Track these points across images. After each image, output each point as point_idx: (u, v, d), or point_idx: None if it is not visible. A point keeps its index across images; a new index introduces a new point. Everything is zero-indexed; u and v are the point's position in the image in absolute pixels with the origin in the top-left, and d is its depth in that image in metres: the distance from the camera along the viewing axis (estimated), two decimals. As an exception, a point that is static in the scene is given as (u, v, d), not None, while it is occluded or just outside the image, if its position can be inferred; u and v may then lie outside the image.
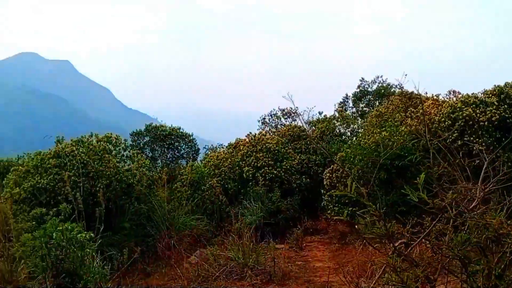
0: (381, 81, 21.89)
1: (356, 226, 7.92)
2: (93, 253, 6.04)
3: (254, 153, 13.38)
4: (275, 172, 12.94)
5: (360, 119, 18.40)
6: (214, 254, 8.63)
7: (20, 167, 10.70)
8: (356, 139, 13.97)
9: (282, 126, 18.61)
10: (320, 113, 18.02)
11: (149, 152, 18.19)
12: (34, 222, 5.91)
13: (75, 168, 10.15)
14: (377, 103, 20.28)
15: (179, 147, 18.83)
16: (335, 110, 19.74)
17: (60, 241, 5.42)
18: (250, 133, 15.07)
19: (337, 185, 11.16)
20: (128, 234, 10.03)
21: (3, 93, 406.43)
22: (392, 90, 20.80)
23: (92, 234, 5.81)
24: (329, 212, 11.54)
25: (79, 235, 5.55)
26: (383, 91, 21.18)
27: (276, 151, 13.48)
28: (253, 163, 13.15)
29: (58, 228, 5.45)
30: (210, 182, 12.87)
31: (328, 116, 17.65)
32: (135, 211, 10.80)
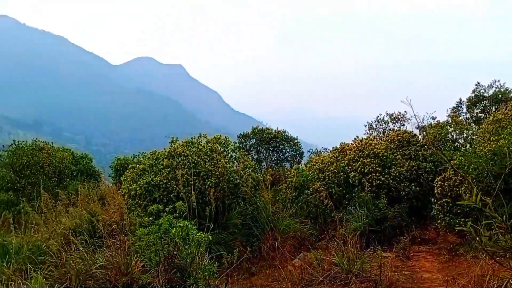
0: (499, 86, 20.42)
1: (477, 238, 7.46)
2: (203, 251, 6.24)
3: (361, 158, 13.08)
4: (382, 178, 12.55)
5: (474, 126, 17.32)
6: (318, 258, 8.56)
7: (137, 165, 11.41)
8: (470, 146, 13.17)
9: (390, 131, 18.04)
10: (433, 118, 17.20)
11: (254, 154, 18.56)
12: (151, 218, 6.26)
13: (187, 167, 10.62)
14: (494, 109, 18.98)
15: (284, 150, 19.01)
16: (447, 116, 18.76)
17: (174, 238, 5.68)
18: (357, 137, 14.76)
19: (449, 194, 10.60)
20: (234, 233, 10.28)
21: (122, 96, 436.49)
22: (511, 96, 19.36)
23: (210, 236, 6.02)
24: (439, 222, 10.99)
25: (197, 234, 5.78)
26: (500, 96, 19.77)
27: (384, 157, 13.07)
28: (359, 168, 12.87)
29: (179, 224, 5.70)
30: (314, 186, 12.81)
31: (441, 121, 16.81)
32: (241, 211, 11.05)
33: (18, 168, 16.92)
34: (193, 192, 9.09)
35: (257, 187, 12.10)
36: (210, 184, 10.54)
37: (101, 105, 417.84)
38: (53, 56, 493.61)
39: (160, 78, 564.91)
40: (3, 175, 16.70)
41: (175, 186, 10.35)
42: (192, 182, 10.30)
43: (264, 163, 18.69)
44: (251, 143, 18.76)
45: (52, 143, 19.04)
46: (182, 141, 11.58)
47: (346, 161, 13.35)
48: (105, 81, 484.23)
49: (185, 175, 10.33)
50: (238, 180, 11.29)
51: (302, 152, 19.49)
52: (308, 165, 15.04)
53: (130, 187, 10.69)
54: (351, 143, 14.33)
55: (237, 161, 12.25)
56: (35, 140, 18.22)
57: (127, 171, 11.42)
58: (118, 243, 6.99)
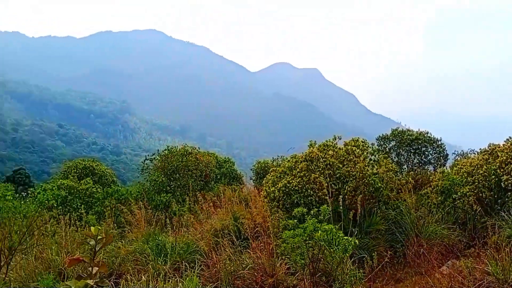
0: None
1: None
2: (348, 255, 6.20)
3: (514, 160, 12.00)
4: (541, 182, 11.39)
5: None
6: (469, 266, 8.03)
7: (278, 168, 11.69)
8: None
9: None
10: None
11: (394, 157, 17.95)
12: (295, 221, 6.36)
13: (322, 169, 10.63)
14: None
15: (426, 152, 18.12)
16: None
17: (319, 241, 5.72)
18: (510, 138, 13.56)
19: None
20: (376, 238, 10.06)
21: (260, 101, 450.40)
22: None
23: (356, 241, 5.97)
24: None
25: (344, 238, 5.76)
26: None
27: (542, 159, 11.85)
28: (513, 171, 11.80)
29: (323, 227, 5.74)
30: (462, 190, 12.03)
31: None
32: (383, 215, 10.77)
33: (169, 172, 18.24)
34: (340, 197, 9.06)
35: (399, 191, 11.71)
36: (349, 188, 10.42)
37: (241, 111, 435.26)
38: (197, 66, 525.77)
39: (296, 82, 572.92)
40: (156, 178, 18.08)
41: (310, 191, 10.41)
42: (327, 185, 10.27)
43: (405, 166, 18.00)
44: (390, 145, 18.18)
45: (198, 147, 20.20)
46: (318, 145, 11.61)
47: (498, 164, 12.33)
48: (245, 87, 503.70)
49: (320, 178, 10.34)
50: (379, 184, 11.02)
51: (447, 155, 18.40)
52: (454, 168, 14.16)
53: (269, 190, 10.98)
54: (503, 144, 13.20)
55: (376, 164, 11.96)
56: (184, 145, 19.48)
57: (268, 174, 11.75)
58: (262, 245, 7.19)
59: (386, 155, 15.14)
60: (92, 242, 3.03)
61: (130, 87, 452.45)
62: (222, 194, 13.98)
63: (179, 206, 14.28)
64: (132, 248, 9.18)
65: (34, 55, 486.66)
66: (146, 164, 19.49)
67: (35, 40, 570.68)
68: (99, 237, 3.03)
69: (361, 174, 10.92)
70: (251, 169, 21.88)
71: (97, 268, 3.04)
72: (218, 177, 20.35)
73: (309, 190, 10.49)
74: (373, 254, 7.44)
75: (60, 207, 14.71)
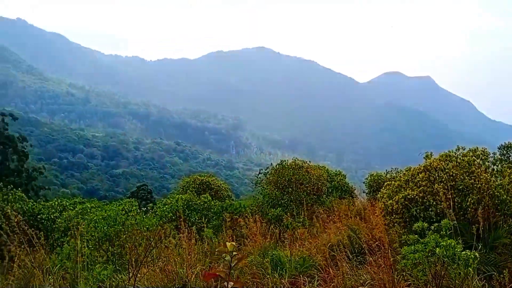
0: None
1: None
2: (472, 271, 5.85)
3: None
4: None
5: None
6: None
7: (393, 181, 11.36)
8: None
9: None
10: None
11: (521, 167, 16.66)
12: (416, 236, 6.13)
13: (444, 181, 10.14)
14: None
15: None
16: None
17: (441, 257, 5.47)
18: None
19: None
20: (502, 253, 9.37)
21: (370, 112, 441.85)
22: None
23: (477, 254, 5.65)
24: None
25: (463, 253, 5.48)
26: None
27: None
28: None
29: (441, 243, 5.50)
30: None
31: None
32: (509, 229, 10.01)
33: (282, 186, 18.45)
34: (463, 210, 8.60)
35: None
36: (472, 201, 9.84)
37: (351, 123, 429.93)
38: (305, 79, 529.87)
39: (409, 92, 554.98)
40: (270, 192, 18.37)
41: (432, 201, 9.98)
42: (450, 197, 9.77)
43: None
44: (516, 154, 16.88)
45: (309, 161, 20.23)
46: (439, 155, 11.11)
47: None
48: (354, 99, 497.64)
49: (443, 190, 9.86)
50: (505, 196, 10.27)
51: None
52: None
53: (387, 203, 10.70)
54: None
55: (500, 175, 11.19)
56: (295, 159, 19.63)
57: (383, 188, 11.46)
58: (380, 260, 7.03)
59: (510, 165, 14.11)
60: (228, 258, 3.20)
61: (242, 104, 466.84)
62: (335, 207, 13.86)
63: (292, 219, 14.38)
64: (248, 261, 9.39)
65: (153, 78, 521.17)
66: (259, 178, 19.89)
67: (152, 63, 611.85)
68: (234, 253, 3.19)
69: (485, 186, 10.27)
70: (364, 182, 21.45)
71: (232, 283, 3.20)
72: (330, 190, 20.20)
73: (430, 201, 10.07)
74: (504, 271, 6.91)
75: (182, 220, 15.46)
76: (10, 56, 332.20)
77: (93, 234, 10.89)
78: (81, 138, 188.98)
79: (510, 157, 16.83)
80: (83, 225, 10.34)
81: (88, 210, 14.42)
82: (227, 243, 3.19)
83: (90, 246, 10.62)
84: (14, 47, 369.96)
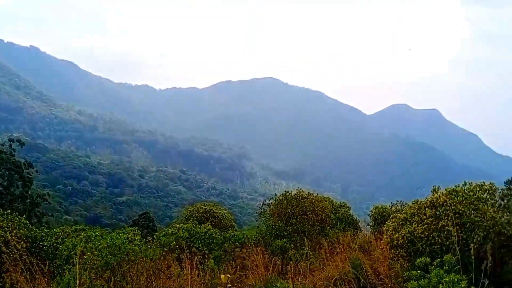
0: None
1: None
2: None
3: None
4: None
5: None
6: None
7: (399, 214, 11.29)
8: None
9: None
10: None
11: (528, 202, 16.52)
12: (419, 271, 6.07)
13: (450, 217, 10.06)
14: None
15: None
16: None
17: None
18: None
19: None
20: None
21: (376, 144, 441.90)
22: None
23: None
24: None
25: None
26: None
27: None
28: None
29: (445, 279, 5.45)
30: None
31: None
32: (517, 266, 9.88)
33: (285, 217, 18.36)
34: (468, 246, 8.51)
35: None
36: (478, 237, 9.74)
37: (356, 154, 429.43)
38: (312, 110, 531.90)
39: (415, 124, 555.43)
40: (273, 223, 18.26)
41: (437, 238, 9.89)
42: (455, 234, 9.67)
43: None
44: (522, 189, 16.77)
45: (314, 192, 20.15)
46: (446, 190, 11.05)
47: None
48: (360, 130, 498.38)
49: (447, 227, 9.78)
50: (511, 232, 10.17)
51: None
52: None
53: (393, 237, 10.60)
54: None
55: (507, 210, 11.09)
56: (299, 190, 19.57)
57: (389, 220, 11.38)
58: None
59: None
60: (222, 289, 3.19)
61: (248, 133, 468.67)
62: (339, 239, 13.74)
63: (296, 251, 14.25)
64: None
65: (161, 106, 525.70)
66: (263, 208, 19.81)
67: (161, 92, 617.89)
68: (229, 285, 3.18)
69: (491, 222, 10.18)
70: (368, 215, 21.30)
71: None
72: (334, 222, 20.06)
73: (436, 238, 9.98)
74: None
75: (185, 250, 15.36)
76: (21, 83, 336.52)
77: (95, 262, 10.82)
78: (87, 165, 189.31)
79: (517, 192, 16.71)
80: (87, 253, 10.28)
81: (93, 238, 14.36)
82: (221, 275, 3.18)
83: (91, 275, 10.54)
84: (26, 73, 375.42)
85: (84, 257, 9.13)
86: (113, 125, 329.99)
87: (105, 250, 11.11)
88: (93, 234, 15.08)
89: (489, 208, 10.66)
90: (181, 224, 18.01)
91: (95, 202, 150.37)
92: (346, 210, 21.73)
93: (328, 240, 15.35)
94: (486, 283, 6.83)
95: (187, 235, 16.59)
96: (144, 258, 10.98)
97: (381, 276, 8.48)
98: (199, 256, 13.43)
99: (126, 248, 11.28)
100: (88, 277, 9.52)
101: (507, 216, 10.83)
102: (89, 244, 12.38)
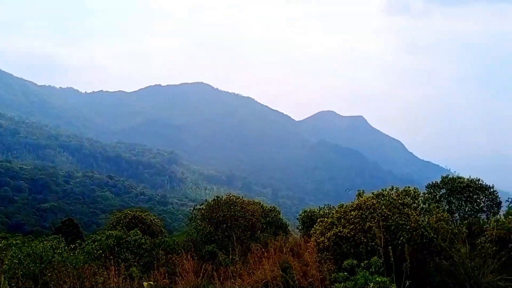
0: None
1: None
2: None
3: None
4: None
5: None
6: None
7: (326, 218, 11.59)
8: None
9: None
10: None
11: (445, 205, 17.46)
12: (346, 273, 6.23)
13: (376, 220, 10.47)
14: None
15: (478, 200, 17.57)
16: None
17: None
18: None
19: None
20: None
21: (305, 150, 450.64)
22: None
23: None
24: None
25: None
26: None
27: None
28: None
29: (376, 279, 5.62)
30: (519, 239, 11.53)
31: None
32: (436, 266, 10.42)
33: (216, 222, 18.31)
34: (390, 248, 8.87)
35: (452, 241, 11.34)
36: (403, 239, 10.19)
37: (286, 160, 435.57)
38: (242, 116, 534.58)
39: (342, 130, 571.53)
40: (203, 228, 18.16)
41: (363, 239, 10.24)
42: (381, 235, 10.07)
43: (456, 214, 17.44)
44: (441, 193, 17.72)
45: (244, 197, 20.27)
46: (372, 193, 11.48)
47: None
48: (290, 136, 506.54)
49: (374, 228, 10.17)
50: (432, 235, 10.73)
51: (500, 202, 17.77)
52: (510, 217, 13.63)
53: (319, 240, 10.86)
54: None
55: (428, 213, 11.70)
56: (229, 195, 19.59)
57: (316, 224, 11.65)
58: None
59: (437, 204, 14.78)
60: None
61: (178, 138, 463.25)
62: (269, 243, 13.88)
63: (226, 256, 14.25)
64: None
65: (87, 110, 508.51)
66: (194, 214, 19.66)
67: (87, 95, 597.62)
68: None
69: (414, 225, 10.68)
70: (297, 218, 21.69)
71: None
72: (264, 226, 20.24)
73: (362, 238, 10.31)
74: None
75: (111, 257, 14.94)
76: None
77: (16, 271, 10.31)
78: (8, 170, 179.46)
79: (437, 196, 17.65)
80: (6, 262, 9.79)
81: (13, 247, 13.68)
82: (144, 283, 3.13)
83: (12, 285, 10.04)
84: None
85: (4, 266, 8.67)
86: (36, 129, 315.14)
87: (26, 259, 10.62)
88: (13, 242, 14.37)
89: (413, 211, 11.19)
90: (109, 232, 17.49)
91: (17, 208, 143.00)
92: (276, 214, 21.97)
93: (258, 244, 15.48)
94: (407, 284, 7.14)
95: (114, 243, 16.15)
96: (67, 266, 10.60)
97: (310, 279, 8.65)
98: (126, 264, 13.13)
99: (49, 257, 10.84)
100: (8, 286, 9.07)
101: (428, 219, 11.43)
102: (10, 252, 11.79)
